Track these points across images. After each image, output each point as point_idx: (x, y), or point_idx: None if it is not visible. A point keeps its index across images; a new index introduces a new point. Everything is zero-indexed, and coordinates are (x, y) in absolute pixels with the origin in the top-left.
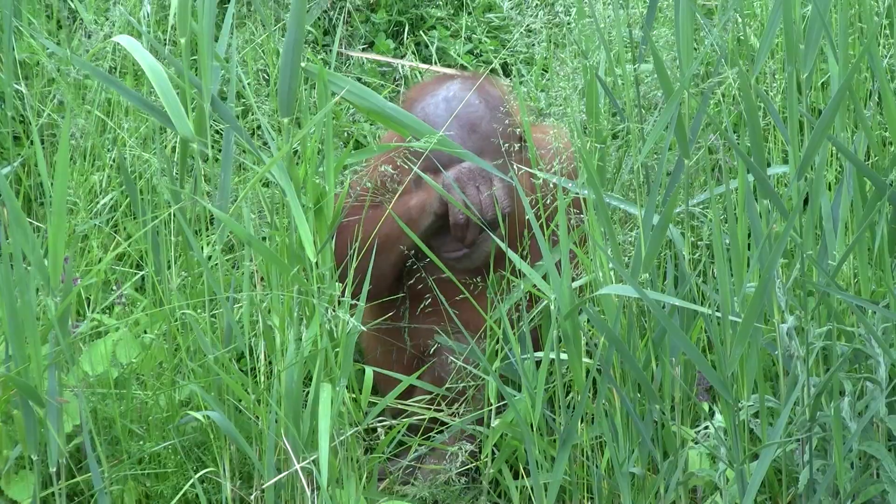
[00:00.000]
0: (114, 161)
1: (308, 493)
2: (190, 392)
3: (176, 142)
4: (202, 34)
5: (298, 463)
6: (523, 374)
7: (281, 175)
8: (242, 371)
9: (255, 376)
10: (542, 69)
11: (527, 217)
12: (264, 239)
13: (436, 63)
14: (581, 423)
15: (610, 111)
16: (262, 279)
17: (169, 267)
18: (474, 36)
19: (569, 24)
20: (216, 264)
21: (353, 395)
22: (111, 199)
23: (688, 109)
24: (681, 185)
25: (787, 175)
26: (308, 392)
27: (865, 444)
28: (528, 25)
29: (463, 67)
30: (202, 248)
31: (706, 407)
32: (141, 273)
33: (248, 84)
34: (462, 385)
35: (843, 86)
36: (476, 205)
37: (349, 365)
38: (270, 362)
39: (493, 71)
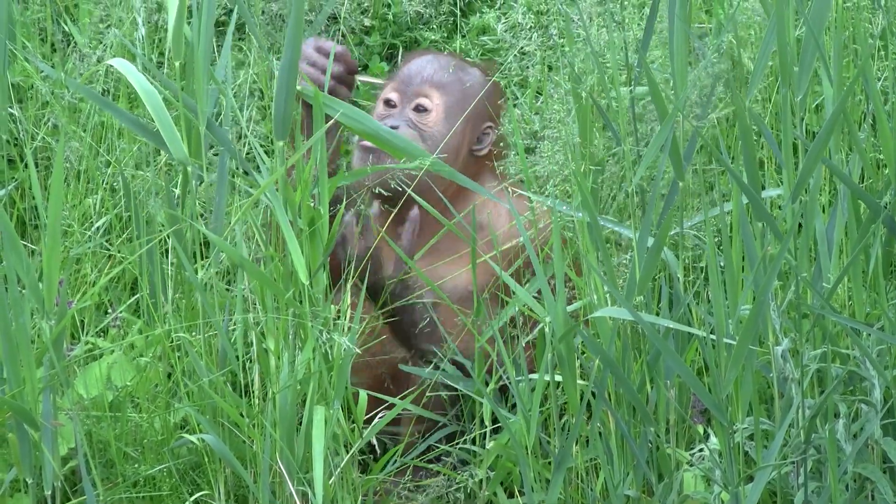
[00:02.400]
0: (107, 184)
1: None
2: (185, 415)
3: (169, 163)
4: (197, 57)
5: (293, 485)
6: (518, 397)
7: (274, 198)
8: (237, 393)
9: (250, 399)
10: (537, 92)
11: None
12: (261, 262)
13: None
14: (576, 445)
15: (603, 134)
16: (254, 304)
17: (164, 289)
18: (468, 58)
19: (562, 46)
20: (211, 287)
21: (351, 417)
22: (105, 221)
23: (682, 132)
24: (675, 208)
25: (781, 197)
26: (302, 414)
27: (860, 466)
28: (522, 48)
29: None
30: (196, 270)
31: (701, 429)
32: (136, 296)
33: (243, 106)
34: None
35: (837, 108)
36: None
37: (343, 387)
38: (265, 385)
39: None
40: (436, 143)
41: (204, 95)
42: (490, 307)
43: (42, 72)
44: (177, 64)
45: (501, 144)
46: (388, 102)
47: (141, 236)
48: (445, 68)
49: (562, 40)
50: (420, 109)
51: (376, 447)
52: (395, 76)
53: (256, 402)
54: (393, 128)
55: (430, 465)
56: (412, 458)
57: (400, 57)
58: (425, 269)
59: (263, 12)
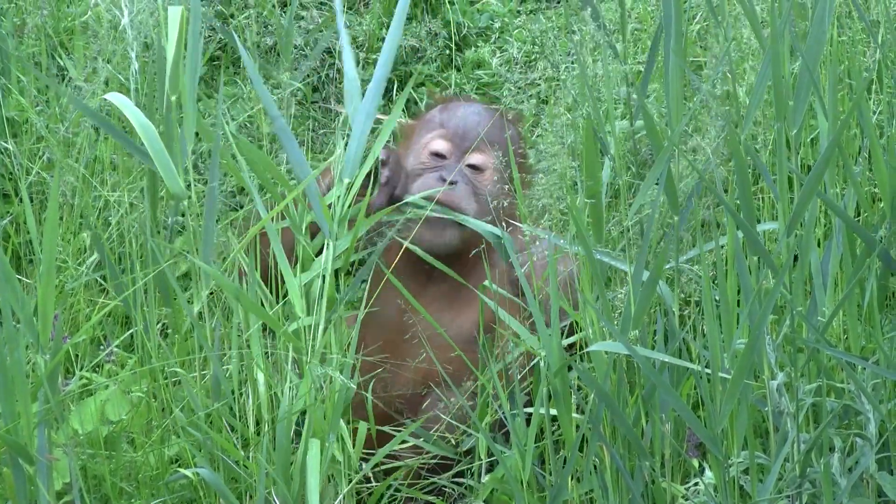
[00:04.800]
0: (97, 220)
1: None
2: (179, 449)
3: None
4: (185, 94)
5: None
6: (513, 431)
7: (271, 232)
8: (231, 427)
9: (245, 432)
10: (532, 126)
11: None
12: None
13: None
14: (571, 479)
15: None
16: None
17: (158, 323)
18: (463, 93)
19: (556, 79)
20: (203, 320)
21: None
22: (97, 257)
23: (678, 166)
24: (670, 242)
25: (776, 231)
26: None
27: (855, 500)
28: (516, 82)
29: None
30: (190, 303)
31: (696, 463)
32: (130, 331)
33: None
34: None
35: (832, 142)
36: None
37: (338, 421)
38: (259, 419)
39: None
40: (486, 202)
41: (191, 130)
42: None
43: (37, 106)
44: (173, 98)
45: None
46: (438, 154)
47: (131, 271)
48: (497, 125)
49: (556, 73)
50: (475, 168)
51: (372, 479)
52: (442, 125)
53: (251, 434)
54: (451, 183)
55: (428, 497)
56: (407, 490)
57: (395, 91)
58: (436, 313)
59: (259, 46)
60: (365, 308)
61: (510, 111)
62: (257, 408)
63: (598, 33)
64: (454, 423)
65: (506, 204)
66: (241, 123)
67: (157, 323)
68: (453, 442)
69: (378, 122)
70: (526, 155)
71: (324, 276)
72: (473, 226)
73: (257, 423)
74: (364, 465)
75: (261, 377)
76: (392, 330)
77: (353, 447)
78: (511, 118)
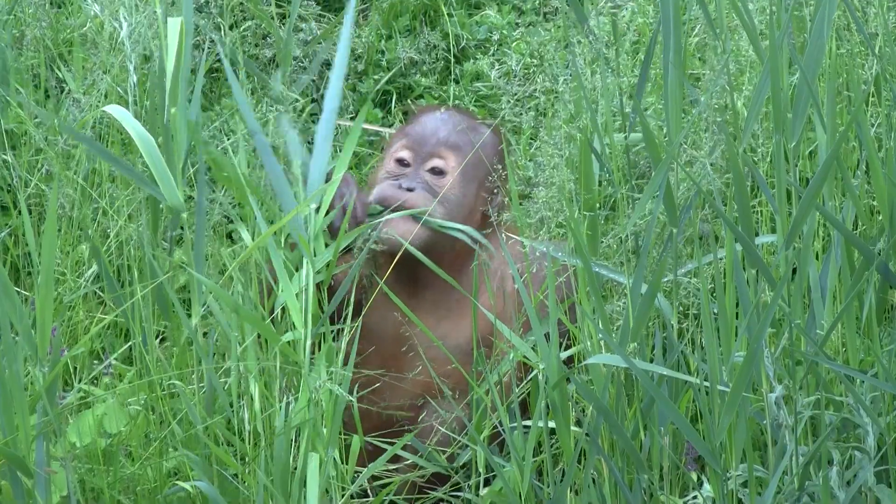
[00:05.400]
0: (96, 231)
1: None
2: (177, 461)
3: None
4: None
5: None
6: (512, 445)
7: (272, 247)
8: (229, 441)
9: (243, 443)
10: (531, 138)
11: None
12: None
13: None
14: (570, 492)
15: (599, 180)
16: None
17: (157, 336)
18: (462, 105)
19: (554, 92)
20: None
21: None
22: (96, 270)
23: (676, 178)
24: (668, 254)
25: (774, 244)
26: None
27: None
28: (515, 94)
29: None
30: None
31: (695, 476)
32: (128, 343)
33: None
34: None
35: (830, 155)
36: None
37: (337, 434)
38: (257, 432)
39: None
40: (451, 206)
41: (183, 142)
42: (486, 357)
43: (36, 118)
44: (172, 110)
45: (495, 191)
46: (401, 161)
47: (129, 284)
48: (459, 129)
49: (555, 85)
50: (436, 172)
51: (369, 492)
52: (406, 133)
53: (249, 447)
54: (409, 189)
55: None
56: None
57: (393, 103)
58: (430, 326)
59: (257, 58)
60: (358, 321)
61: (489, 119)
62: (254, 421)
63: (595, 46)
64: (451, 434)
65: (488, 209)
66: (243, 136)
67: (157, 337)
68: (449, 455)
69: (376, 133)
70: (503, 160)
71: (306, 290)
72: (435, 225)
73: (254, 437)
74: (361, 477)
75: (256, 390)
76: (387, 342)
77: (348, 461)
78: (488, 124)
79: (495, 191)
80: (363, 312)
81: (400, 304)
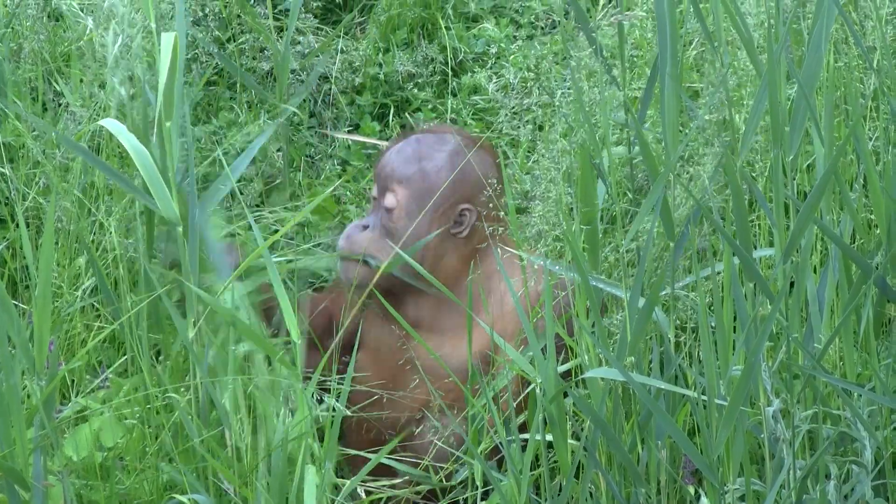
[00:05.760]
0: (93, 244)
1: None
2: (173, 474)
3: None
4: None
5: None
6: (509, 458)
7: (268, 259)
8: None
9: (239, 457)
10: (528, 151)
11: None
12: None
13: None
14: None
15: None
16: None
17: (155, 347)
18: (459, 118)
19: (551, 105)
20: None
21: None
22: (93, 282)
23: (674, 192)
24: (666, 268)
25: (772, 258)
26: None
27: None
28: (513, 107)
29: None
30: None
31: (692, 490)
32: (124, 357)
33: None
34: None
35: (828, 168)
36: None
37: (334, 449)
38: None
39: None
40: (405, 242)
41: (175, 154)
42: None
43: (34, 131)
44: (167, 124)
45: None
46: (374, 199)
47: (125, 297)
48: (410, 160)
49: (553, 99)
50: (388, 209)
51: None
52: (376, 165)
53: (248, 462)
54: (364, 227)
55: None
56: None
57: (391, 116)
58: (433, 346)
59: (255, 71)
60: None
61: (468, 134)
62: (253, 434)
63: (593, 59)
64: (448, 449)
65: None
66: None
67: (154, 347)
68: (444, 471)
69: (374, 147)
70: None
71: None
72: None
73: (252, 451)
74: (358, 490)
75: (240, 401)
76: (386, 359)
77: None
78: (466, 139)
79: (463, 212)
80: (361, 330)
81: (405, 324)
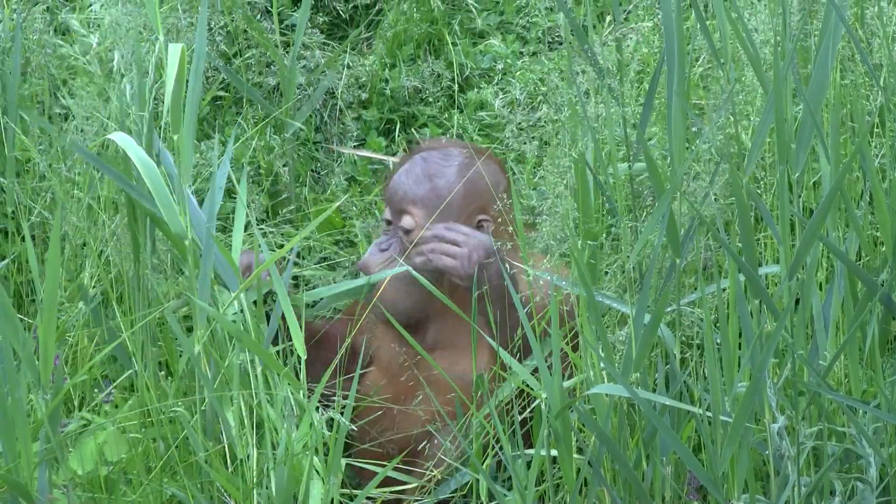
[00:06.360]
0: (101, 256)
1: None
2: (179, 489)
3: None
4: (183, 135)
5: None
6: (514, 473)
7: (276, 277)
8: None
9: (244, 472)
10: (534, 167)
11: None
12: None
13: None
14: None
15: (602, 209)
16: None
17: (159, 363)
18: (466, 134)
19: (556, 121)
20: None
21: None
22: (99, 291)
23: (679, 209)
24: (671, 284)
25: (778, 275)
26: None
27: None
28: (519, 123)
29: None
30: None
31: None
32: (129, 371)
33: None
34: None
35: (834, 186)
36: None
37: (339, 463)
38: (261, 460)
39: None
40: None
41: (188, 168)
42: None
43: (40, 145)
44: (174, 137)
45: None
46: (387, 221)
47: (133, 311)
48: (421, 179)
49: (559, 115)
50: (407, 230)
51: None
52: (387, 188)
53: (252, 475)
54: (383, 250)
55: None
56: None
57: (397, 132)
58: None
59: (261, 86)
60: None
61: (474, 147)
62: (260, 448)
63: (597, 75)
64: (454, 464)
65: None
66: (243, 163)
67: (159, 362)
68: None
69: (380, 162)
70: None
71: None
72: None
73: (257, 465)
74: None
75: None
76: (394, 375)
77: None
78: (470, 153)
79: (481, 222)
80: (373, 348)
81: (413, 342)
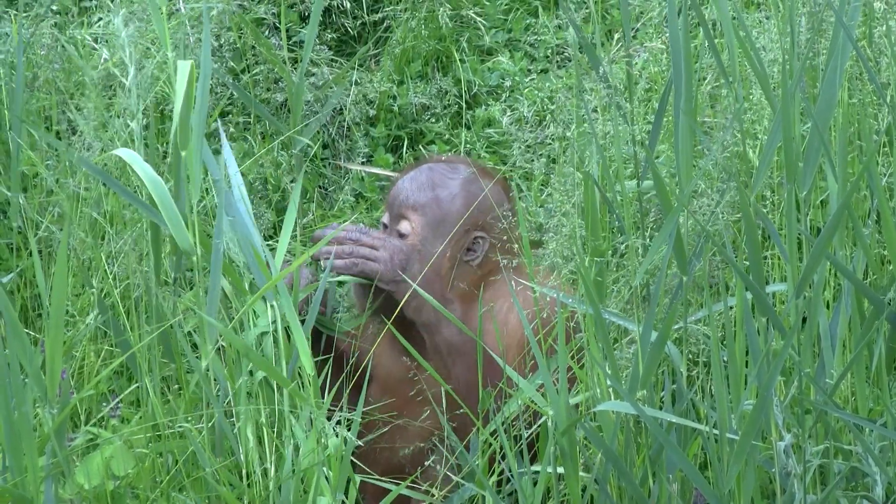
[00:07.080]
0: (108, 272)
1: None
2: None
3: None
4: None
5: None
6: (520, 490)
7: (282, 291)
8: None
9: (251, 487)
10: (542, 185)
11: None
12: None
13: None
14: None
15: (609, 227)
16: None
17: (164, 379)
18: (473, 151)
19: (564, 138)
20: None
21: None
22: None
23: (687, 227)
24: (679, 302)
25: (785, 293)
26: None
27: None
28: (527, 141)
29: None
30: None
31: None
32: (134, 385)
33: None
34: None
35: (842, 204)
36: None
37: (345, 479)
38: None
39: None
40: (417, 265)
41: (196, 180)
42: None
43: (47, 160)
44: (183, 153)
45: (505, 238)
46: (384, 225)
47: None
48: (424, 187)
49: (567, 132)
50: (402, 235)
51: None
52: (388, 194)
53: (259, 491)
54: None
55: None
56: None
57: (405, 148)
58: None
59: (269, 102)
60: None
61: (481, 164)
62: (256, 463)
63: (606, 93)
64: (456, 479)
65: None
66: (250, 180)
67: (165, 378)
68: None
69: (388, 178)
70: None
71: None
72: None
73: (263, 481)
74: None
75: (250, 433)
76: (393, 386)
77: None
78: (479, 170)
79: (477, 239)
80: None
81: (413, 351)
